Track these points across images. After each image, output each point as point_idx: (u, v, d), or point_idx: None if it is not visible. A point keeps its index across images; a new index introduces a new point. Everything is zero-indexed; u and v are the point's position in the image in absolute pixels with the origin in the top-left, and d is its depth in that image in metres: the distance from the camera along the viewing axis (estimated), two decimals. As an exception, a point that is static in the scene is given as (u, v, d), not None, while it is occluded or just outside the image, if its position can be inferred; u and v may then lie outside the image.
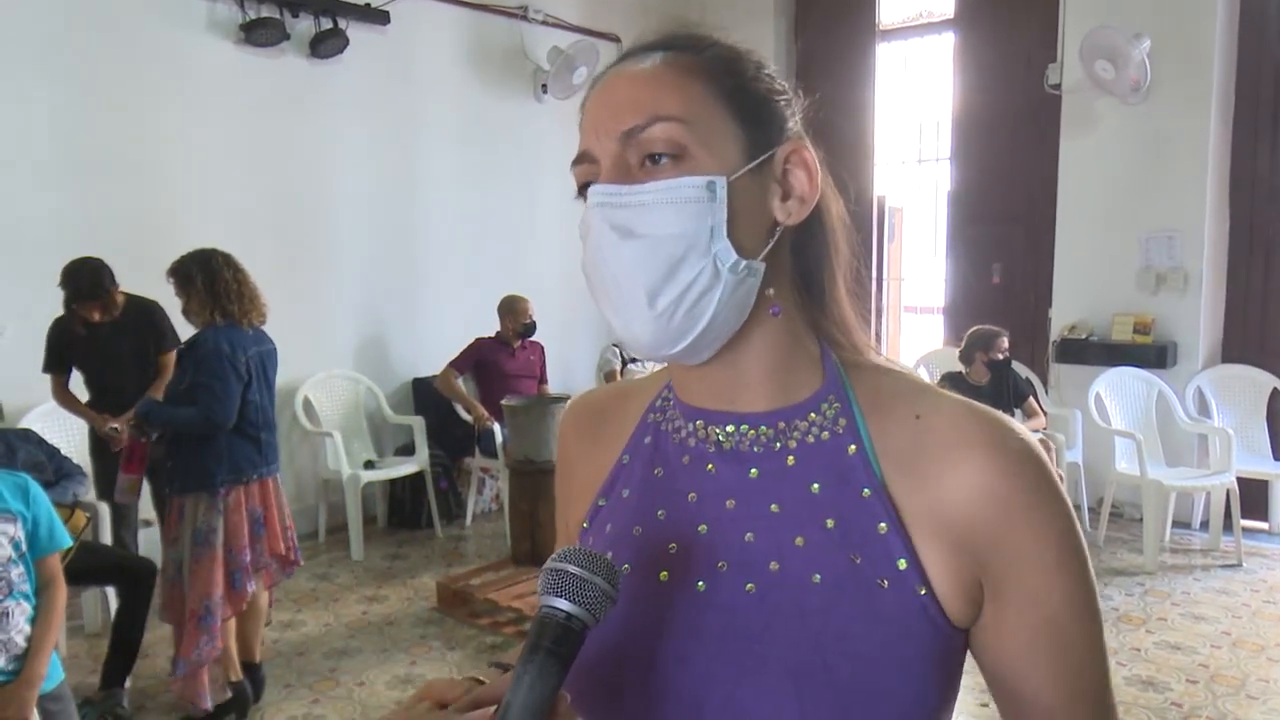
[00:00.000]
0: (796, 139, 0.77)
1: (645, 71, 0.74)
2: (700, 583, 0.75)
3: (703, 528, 0.77)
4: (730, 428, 0.77)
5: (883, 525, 0.72)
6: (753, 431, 0.77)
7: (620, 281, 0.72)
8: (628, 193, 0.71)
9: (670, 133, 0.71)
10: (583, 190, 0.75)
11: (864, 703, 0.70)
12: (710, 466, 0.78)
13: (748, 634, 0.72)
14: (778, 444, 0.76)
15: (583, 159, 0.75)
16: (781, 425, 0.77)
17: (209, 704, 3.14)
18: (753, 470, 0.76)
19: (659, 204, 0.70)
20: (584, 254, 0.75)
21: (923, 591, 0.71)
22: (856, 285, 0.83)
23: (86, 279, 3.70)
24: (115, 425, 3.78)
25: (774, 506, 0.75)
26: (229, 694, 3.21)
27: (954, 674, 0.75)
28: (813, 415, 0.77)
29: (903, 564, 0.71)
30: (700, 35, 0.77)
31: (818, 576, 0.72)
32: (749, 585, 0.73)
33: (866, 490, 0.73)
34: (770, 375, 0.77)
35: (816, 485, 0.74)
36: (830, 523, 0.73)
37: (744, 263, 0.72)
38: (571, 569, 0.66)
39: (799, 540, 0.73)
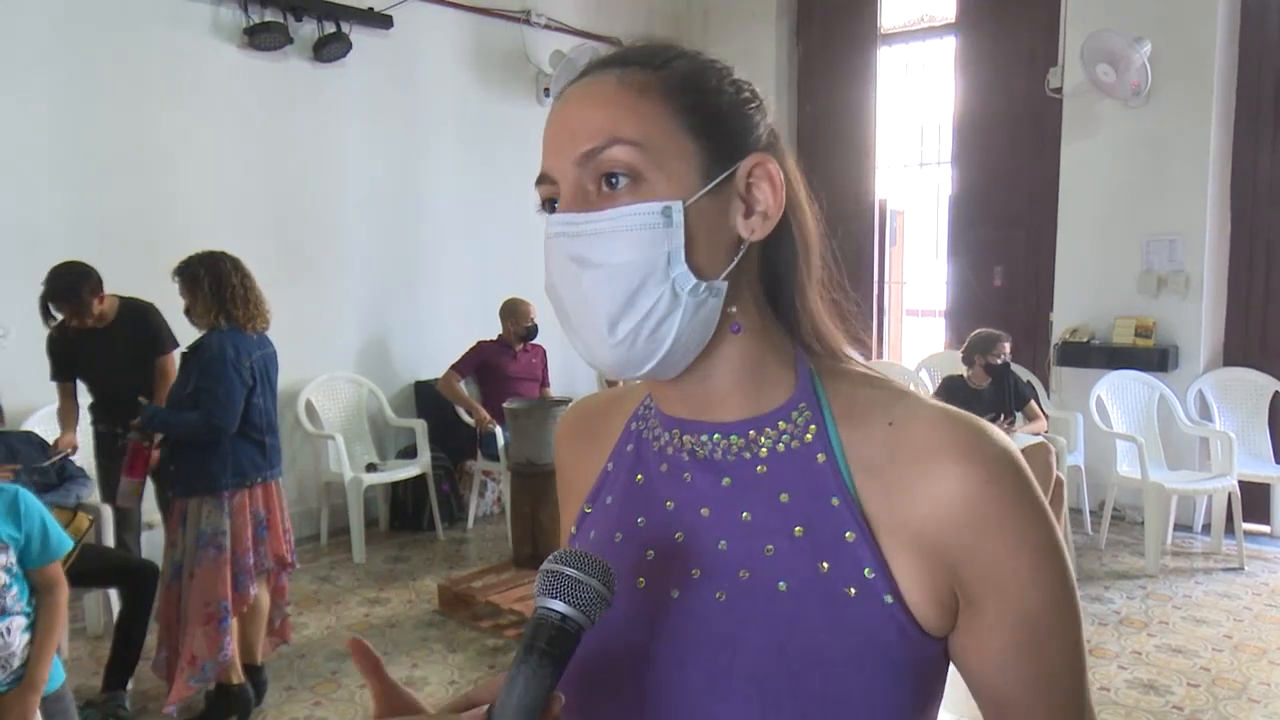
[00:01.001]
0: (762, 151, 0.75)
1: (601, 91, 0.73)
2: (675, 590, 0.75)
3: (679, 535, 0.77)
4: (704, 437, 0.77)
5: (850, 533, 0.72)
6: (724, 440, 0.77)
7: (580, 310, 0.72)
8: (583, 221, 0.71)
9: (626, 156, 0.70)
10: (545, 206, 0.75)
11: (830, 712, 0.69)
12: (686, 475, 0.78)
13: (716, 642, 0.72)
14: (748, 453, 0.76)
15: (544, 179, 0.75)
16: (751, 434, 0.76)
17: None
18: (725, 479, 0.76)
19: (615, 232, 0.70)
20: (545, 280, 0.75)
21: (890, 600, 0.70)
22: (837, 292, 0.82)
23: (62, 281, 3.66)
24: (73, 446, 3.80)
25: (745, 515, 0.75)
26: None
27: (929, 683, 0.74)
28: (782, 424, 0.76)
29: (869, 573, 0.71)
30: (659, 48, 0.76)
31: (783, 584, 0.72)
32: (719, 593, 0.73)
33: (835, 499, 0.73)
34: (740, 387, 0.77)
35: (785, 494, 0.74)
36: (799, 531, 0.73)
37: (704, 285, 0.71)
38: (567, 571, 0.66)
39: (769, 548, 0.73)
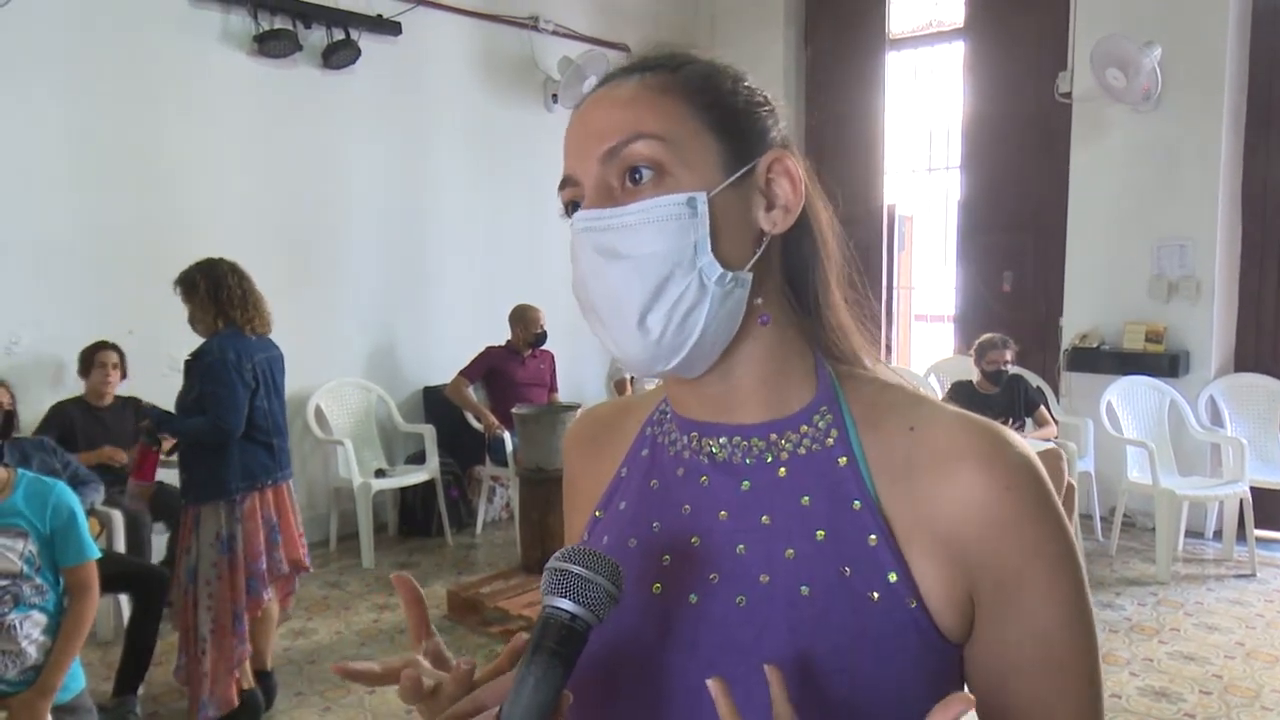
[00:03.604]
0: (779, 148, 0.77)
1: (623, 94, 0.74)
2: (693, 595, 0.75)
3: (695, 540, 0.76)
4: (723, 440, 0.77)
5: (873, 537, 0.71)
6: (745, 443, 0.77)
7: (609, 303, 0.72)
8: (610, 215, 0.71)
9: (649, 150, 0.71)
10: (568, 210, 0.76)
11: (854, 717, 0.69)
12: (704, 479, 0.78)
13: (738, 647, 0.72)
14: (769, 456, 0.76)
15: (567, 183, 0.76)
16: (773, 437, 0.76)
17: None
18: (744, 482, 0.76)
19: (641, 224, 0.71)
20: (574, 278, 0.75)
21: (913, 605, 0.70)
22: (853, 291, 0.82)
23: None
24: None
25: (765, 518, 0.75)
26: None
27: (950, 688, 0.73)
28: (804, 427, 0.76)
29: (893, 577, 0.70)
30: (676, 53, 0.78)
31: (805, 589, 0.71)
32: (739, 598, 0.73)
33: (857, 502, 0.73)
34: (763, 386, 0.77)
35: (807, 498, 0.74)
36: (820, 535, 0.73)
37: (730, 275, 0.72)
38: (574, 569, 0.65)
39: (789, 552, 0.73)
